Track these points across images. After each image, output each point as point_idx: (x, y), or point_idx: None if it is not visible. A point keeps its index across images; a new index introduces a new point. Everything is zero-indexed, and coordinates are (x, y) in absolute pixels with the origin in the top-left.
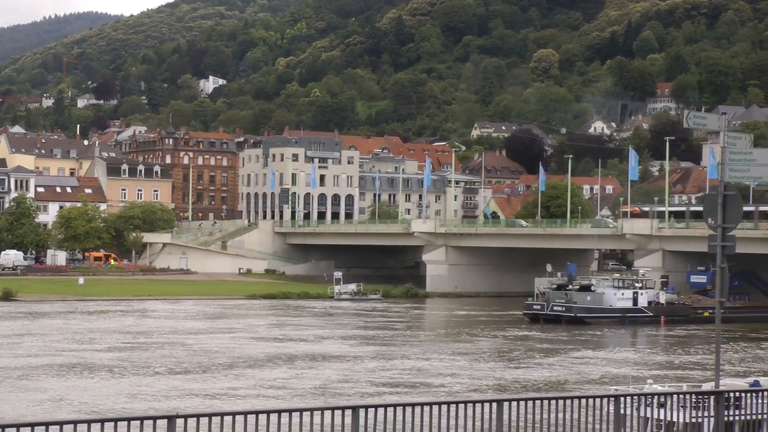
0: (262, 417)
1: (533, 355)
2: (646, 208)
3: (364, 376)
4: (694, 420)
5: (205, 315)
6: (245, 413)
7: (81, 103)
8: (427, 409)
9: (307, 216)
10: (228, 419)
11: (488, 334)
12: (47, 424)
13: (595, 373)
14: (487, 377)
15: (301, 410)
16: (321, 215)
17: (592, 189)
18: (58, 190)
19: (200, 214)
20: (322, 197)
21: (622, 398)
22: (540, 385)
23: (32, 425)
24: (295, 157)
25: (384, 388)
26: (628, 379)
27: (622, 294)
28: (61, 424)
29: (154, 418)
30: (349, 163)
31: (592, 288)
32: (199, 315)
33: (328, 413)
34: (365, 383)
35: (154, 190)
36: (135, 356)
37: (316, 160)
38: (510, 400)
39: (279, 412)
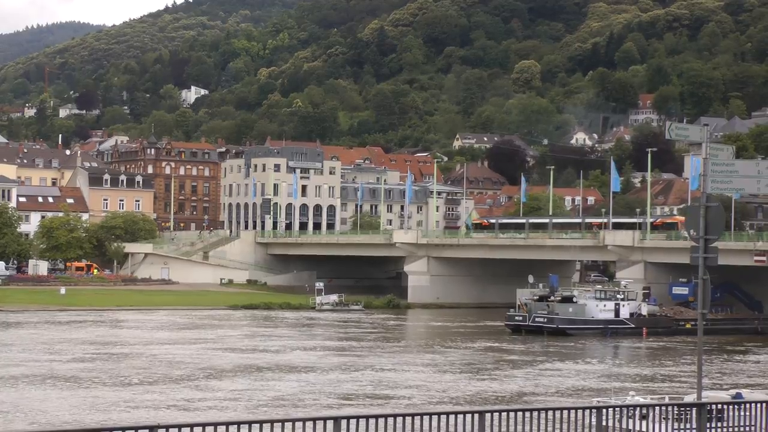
0: (244, 428)
1: (511, 367)
2: (493, 221)
3: (326, 388)
4: None
5: (180, 325)
6: (227, 424)
7: (63, 112)
8: (409, 419)
9: (288, 226)
10: (210, 429)
11: (468, 346)
12: None
13: (576, 384)
14: (458, 389)
15: (282, 421)
16: (303, 226)
17: (573, 200)
18: (40, 199)
19: (182, 225)
20: (303, 208)
21: (604, 410)
22: (519, 397)
23: None
24: (277, 168)
25: (345, 399)
26: (610, 391)
27: (604, 305)
28: None
29: (137, 428)
30: (330, 173)
31: (574, 299)
32: (175, 325)
33: (309, 424)
34: (326, 394)
35: (136, 200)
36: (99, 367)
37: (298, 171)
38: (492, 412)
39: (261, 422)
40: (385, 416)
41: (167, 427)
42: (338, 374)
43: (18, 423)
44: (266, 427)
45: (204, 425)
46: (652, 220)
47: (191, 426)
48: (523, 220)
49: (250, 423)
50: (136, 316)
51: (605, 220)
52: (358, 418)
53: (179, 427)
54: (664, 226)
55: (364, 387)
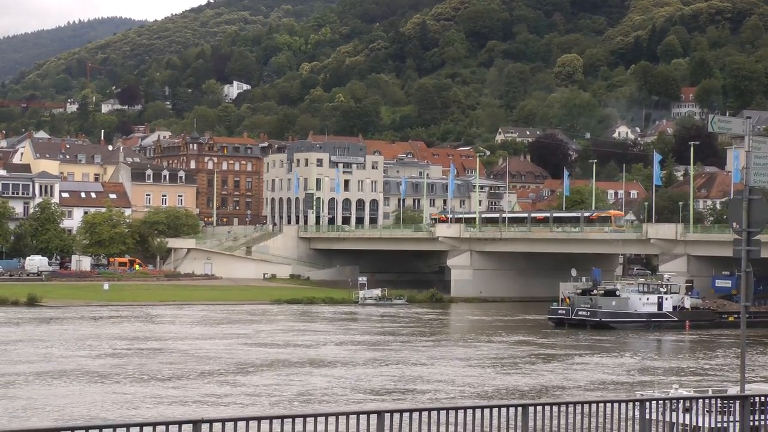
0: (288, 421)
1: (553, 360)
2: (450, 215)
3: (355, 383)
4: (719, 425)
5: (216, 321)
6: (270, 418)
7: (105, 108)
8: (452, 413)
9: (331, 221)
10: (253, 424)
11: (508, 340)
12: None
13: (619, 377)
14: (490, 384)
15: (326, 415)
16: (345, 220)
17: (616, 194)
18: (83, 195)
19: (225, 220)
20: (346, 202)
21: (647, 403)
22: (558, 391)
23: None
24: (320, 162)
25: (373, 394)
26: (653, 384)
27: (647, 299)
28: (73, 430)
29: (180, 423)
30: (373, 168)
31: (617, 293)
32: (210, 321)
33: (353, 417)
34: (354, 389)
35: (179, 196)
36: (130, 362)
37: (341, 165)
38: (535, 405)
39: (304, 417)
40: (429, 410)
41: (211, 421)
42: (368, 369)
43: (36, 419)
44: (309, 420)
45: (247, 419)
46: (587, 214)
47: (235, 420)
48: (474, 215)
49: (293, 417)
50: (173, 311)
51: (548, 215)
52: (401, 411)
53: (223, 421)
54: (599, 220)
55: (391, 381)
